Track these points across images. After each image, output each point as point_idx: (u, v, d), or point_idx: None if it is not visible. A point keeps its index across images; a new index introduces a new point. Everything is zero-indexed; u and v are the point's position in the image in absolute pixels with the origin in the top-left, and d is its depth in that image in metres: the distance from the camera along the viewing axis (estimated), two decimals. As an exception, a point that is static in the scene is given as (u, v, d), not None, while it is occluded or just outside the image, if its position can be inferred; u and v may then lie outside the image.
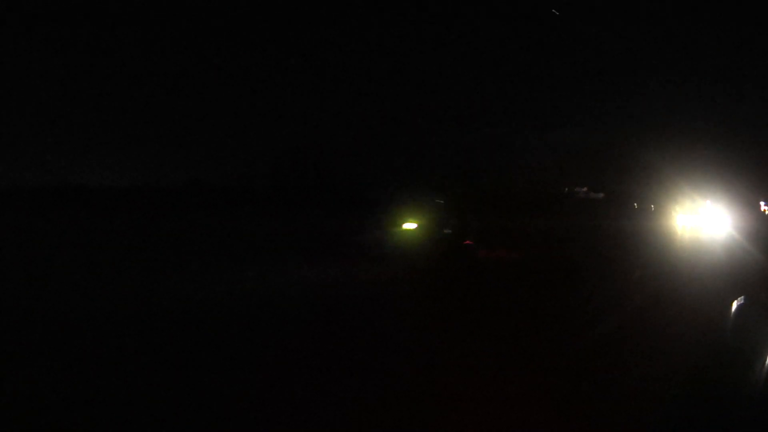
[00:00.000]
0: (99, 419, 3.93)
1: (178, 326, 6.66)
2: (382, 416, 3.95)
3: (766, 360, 2.44)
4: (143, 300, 8.23)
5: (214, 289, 9.18)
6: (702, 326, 5.38)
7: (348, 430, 3.83)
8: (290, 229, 17.13)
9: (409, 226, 17.49)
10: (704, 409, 2.46)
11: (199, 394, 4.43)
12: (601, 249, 16.04)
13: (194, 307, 7.71)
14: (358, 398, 4.27)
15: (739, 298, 3.15)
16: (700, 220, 21.84)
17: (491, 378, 4.72)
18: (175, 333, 6.35)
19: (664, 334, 5.99)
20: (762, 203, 23.64)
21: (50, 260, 12.46)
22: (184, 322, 6.90)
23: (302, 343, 5.85)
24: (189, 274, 10.74)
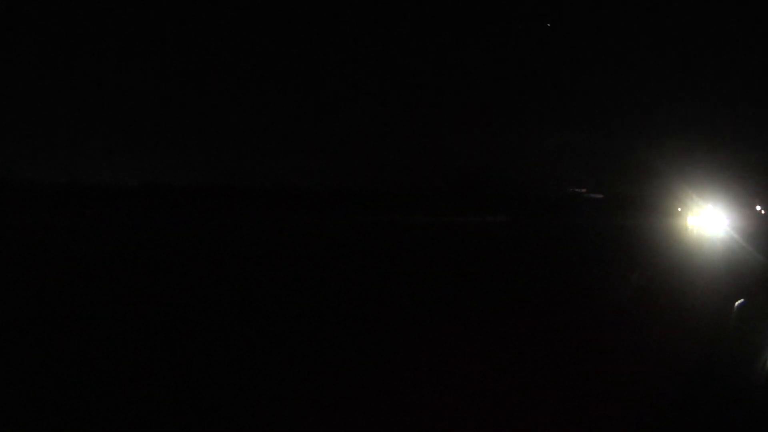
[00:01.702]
0: None
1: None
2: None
3: (766, 360, 2.45)
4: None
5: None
6: (702, 328, 5.38)
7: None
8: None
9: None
10: (705, 408, 2.47)
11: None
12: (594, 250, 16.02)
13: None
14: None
15: (739, 300, 3.15)
16: (703, 221, 22.16)
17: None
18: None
19: (662, 336, 6.00)
20: (758, 207, 23.95)
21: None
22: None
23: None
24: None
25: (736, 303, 2.79)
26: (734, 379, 2.48)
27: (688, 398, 2.59)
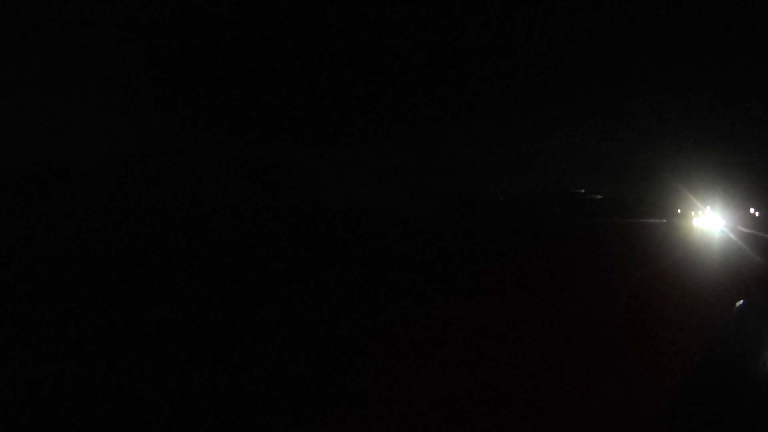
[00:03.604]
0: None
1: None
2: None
3: (766, 360, 2.44)
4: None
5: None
6: (701, 328, 5.38)
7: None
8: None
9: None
10: (704, 409, 2.46)
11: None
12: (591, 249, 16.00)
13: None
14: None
15: (739, 301, 3.14)
16: (702, 223, 22.68)
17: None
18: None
19: (661, 335, 5.99)
20: (752, 209, 24.36)
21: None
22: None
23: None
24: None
25: (736, 303, 2.77)
26: (734, 379, 2.47)
27: (687, 399, 2.58)
